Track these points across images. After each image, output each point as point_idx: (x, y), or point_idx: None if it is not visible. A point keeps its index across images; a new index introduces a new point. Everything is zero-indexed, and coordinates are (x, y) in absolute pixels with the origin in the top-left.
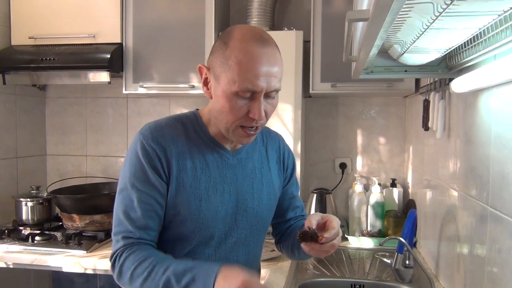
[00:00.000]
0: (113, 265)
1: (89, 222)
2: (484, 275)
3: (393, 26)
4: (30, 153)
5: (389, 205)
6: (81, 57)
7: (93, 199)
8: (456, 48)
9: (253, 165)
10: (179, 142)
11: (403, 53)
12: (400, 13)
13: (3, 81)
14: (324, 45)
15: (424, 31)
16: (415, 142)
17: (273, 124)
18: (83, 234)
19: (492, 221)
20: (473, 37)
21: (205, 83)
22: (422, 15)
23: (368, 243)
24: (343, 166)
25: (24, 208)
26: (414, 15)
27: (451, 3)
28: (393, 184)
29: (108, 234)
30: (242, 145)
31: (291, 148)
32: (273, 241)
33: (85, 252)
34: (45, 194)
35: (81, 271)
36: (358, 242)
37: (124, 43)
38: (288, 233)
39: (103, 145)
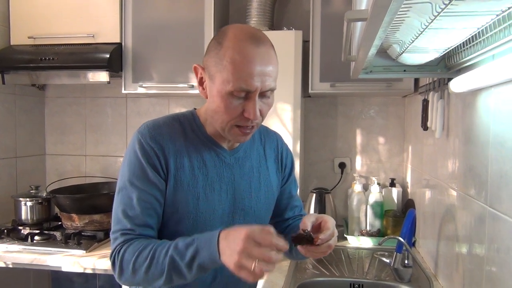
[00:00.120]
0: (113, 263)
1: (88, 221)
2: (483, 275)
3: (392, 26)
4: (29, 152)
5: (388, 204)
6: (80, 57)
7: (92, 198)
8: (455, 48)
9: (251, 164)
10: (176, 140)
11: (402, 53)
12: (399, 13)
13: (2, 81)
14: (323, 45)
15: (423, 31)
16: (414, 141)
17: (272, 124)
18: (82, 233)
19: (490, 221)
20: (472, 37)
21: (201, 83)
22: (420, 15)
23: (367, 242)
24: (342, 165)
25: (23, 208)
26: (412, 15)
27: (449, 3)
28: (392, 184)
29: (107, 234)
30: (239, 144)
31: (291, 147)
32: None
33: (84, 251)
34: (44, 194)
35: (81, 270)
36: (357, 242)
37: (123, 43)
38: (286, 233)
39: (102, 145)
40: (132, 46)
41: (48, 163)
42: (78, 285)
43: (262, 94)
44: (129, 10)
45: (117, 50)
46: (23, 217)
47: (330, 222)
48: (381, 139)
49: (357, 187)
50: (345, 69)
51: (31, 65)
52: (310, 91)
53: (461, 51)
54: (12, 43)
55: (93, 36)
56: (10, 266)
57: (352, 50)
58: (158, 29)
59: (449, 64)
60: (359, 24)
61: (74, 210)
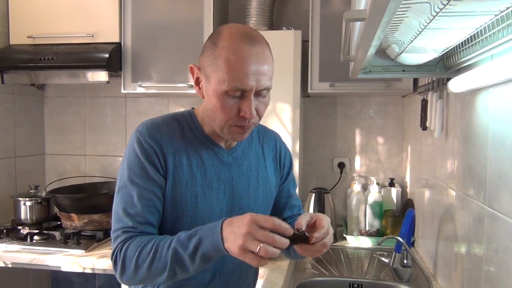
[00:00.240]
0: (115, 262)
1: (87, 221)
2: (482, 274)
3: (391, 26)
4: (28, 152)
5: (387, 204)
6: (79, 57)
7: (92, 198)
8: (454, 48)
9: (249, 163)
10: (175, 139)
11: (401, 53)
12: (397, 13)
13: (1, 81)
14: (323, 44)
15: (422, 31)
16: (413, 141)
17: (271, 123)
18: (82, 233)
19: (489, 221)
20: (470, 37)
21: (197, 83)
22: (419, 15)
23: (366, 242)
24: (341, 165)
25: (22, 208)
26: (411, 15)
27: (448, 3)
28: (391, 184)
29: (106, 234)
30: (237, 143)
31: (290, 147)
32: None
33: (83, 251)
34: (43, 194)
35: (80, 270)
36: (357, 242)
37: (122, 43)
38: None
39: (101, 144)
40: (132, 46)
41: (47, 162)
42: (77, 285)
43: (258, 93)
44: (129, 10)
45: (117, 49)
46: (22, 216)
47: (324, 220)
48: (380, 139)
49: (356, 187)
50: (344, 69)
51: (31, 64)
52: (309, 91)
53: (460, 51)
54: (11, 42)
55: (92, 36)
56: (10, 266)
57: (351, 50)
58: (157, 29)
59: (448, 64)
60: (358, 24)
61: (74, 210)
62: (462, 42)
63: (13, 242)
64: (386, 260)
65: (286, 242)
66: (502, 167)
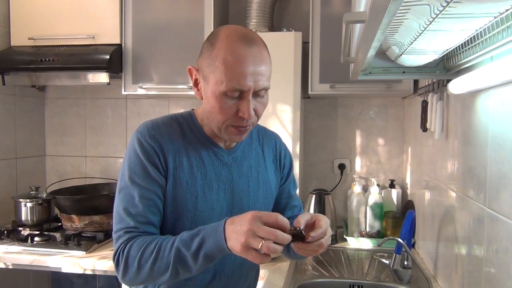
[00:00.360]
0: (117, 262)
1: (88, 222)
2: (482, 276)
3: (390, 28)
4: (29, 153)
5: (387, 206)
6: (80, 58)
7: (92, 199)
8: (454, 49)
9: (249, 164)
10: (175, 140)
11: (401, 55)
12: (397, 15)
13: (2, 82)
14: (323, 46)
15: (421, 32)
16: (413, 143)
17: (272, 125)
18: (82, 234)
19: (489, 222)
20: (470, 38)
21: (195, 84)
22: (419, 17)
23: (366, 244)
24: (342, 167)
25: (23, 209)
26: (411, 17)
27: (447, 5)
28: (392, 185)
29: (107, 235)
30: (237, 143)
31: (290, 149)
32: None
33: (84, 252)
34: (44, 195)
35: (80, 271)
36: (357, 243)
37: (123, 44)
38: None
39: (102, 146)
40: (132, 47)
41: (48, 164)
42: (78, 286)
43: (256, 94)
44: (129, 11)
45: (117, 51)
46: (23, 218)
47: (323, 221)
48: (381, 141)
49: (357, 188)
50: (344, 70)
51: (31, 66)
52: (309, 92)
53: (460, 53)
54: (12, 44)
55: (93, 37)
56: (10, 267)
57: (351, 52)
58: (158, 30)
59: (448, 66)
60: (358, 25)
61: (74, 211)
62: (462, 44)
63: (13, 243)
64: (387, 262)
65: (288, 237)
66: (502, 169)
